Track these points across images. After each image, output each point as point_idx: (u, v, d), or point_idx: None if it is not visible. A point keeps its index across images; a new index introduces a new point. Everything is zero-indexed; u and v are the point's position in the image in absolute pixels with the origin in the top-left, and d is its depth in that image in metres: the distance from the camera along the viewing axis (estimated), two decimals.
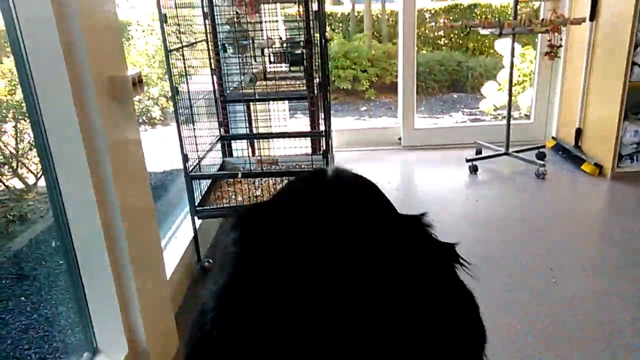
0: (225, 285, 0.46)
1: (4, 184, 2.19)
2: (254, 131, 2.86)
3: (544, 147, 3.57)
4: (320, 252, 0.45)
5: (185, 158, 2.01)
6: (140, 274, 1.42)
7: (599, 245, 2.48)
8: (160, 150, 4.45)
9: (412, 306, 0.45)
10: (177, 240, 2.18)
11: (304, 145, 2.70)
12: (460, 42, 7.19)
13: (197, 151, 2.11)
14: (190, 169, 2.06)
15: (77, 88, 1.17)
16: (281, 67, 2.46)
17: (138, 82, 1.29)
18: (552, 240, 2.46)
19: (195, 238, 2.17)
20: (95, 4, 1.19)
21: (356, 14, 7.77)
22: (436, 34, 7.54)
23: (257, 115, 2.89)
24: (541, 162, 3.24)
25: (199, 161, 2.16)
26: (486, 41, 6.88)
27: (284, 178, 2.14)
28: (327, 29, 2.97)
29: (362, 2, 7.81)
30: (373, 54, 6.62)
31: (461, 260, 0.51)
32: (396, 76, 6.51)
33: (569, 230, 2.56)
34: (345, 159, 3.73)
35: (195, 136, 2.04)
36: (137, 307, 1.44)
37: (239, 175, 2.04)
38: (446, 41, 7.45)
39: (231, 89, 2.59)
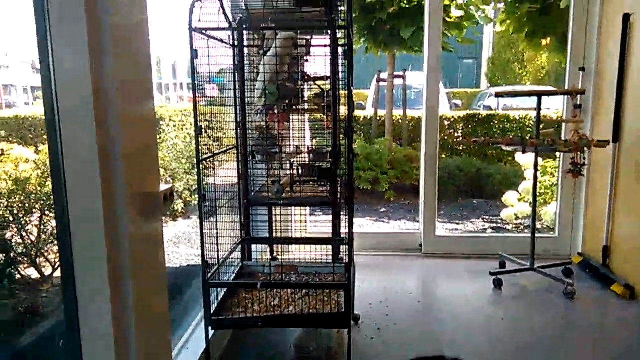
0: None
1: (20, 273, 2.17)
2: (275, 234, 2.84)
3: (570, 263, 3.45)
4: None
5: (205, 265, 1.98)
6: None
7: None
8: (178, 243, 4.45)
9: None
10: (187, 352, 2.08)
11: (324, 249, 2.67)
12: (479, 149, 7.34)
13: (218, 258, 2.09)
14: (209, 276, 2.01)
15: (109, 201, 1.18)
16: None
17: (169, 196, 1.30)
18: None
19: (207, 351, 2.07)
20: (136, 128, 1.24)
21: (378, 118, 8.07)
22: (455, 140, 7.73)
23: (278, 218, 2.89)
24: (569, 280, 3.11)
25: (219, 267, 2.12)
26: (504, 150, 7.01)
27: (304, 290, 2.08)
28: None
29: (383, 108, 8.15)
30: (394, 157, 6.76)
31: None
32: (416, 179, 6.62)
33: (594, 357, 2.39)
34: (364, 263, 3.65)
35: (217, 243, 2.02)
36: None
37: (258, 285, 1.98)
38: (464, 147, 7.61)
39: (255, 191, 2.63)
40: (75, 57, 1.13)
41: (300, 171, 2.17)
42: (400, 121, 8.00)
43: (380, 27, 6.57)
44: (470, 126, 7.77)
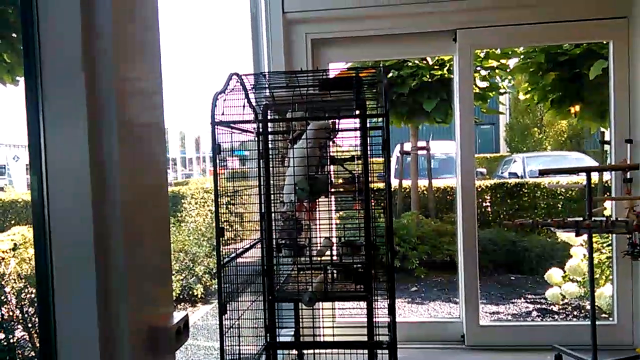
0: None
1: None
2: (301, 330, 2.55)
3: (638, 357, 3.04)
4: None
5: None
6: None
7: None
8: (197, 335, 4.14)
9: None
10: None
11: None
12: (510, 219, 7.00)
13: None
14: None
15: (107, 340, 0.95)
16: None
17: (183, 329, 1.07)
18: None
19: None
20: (146, 246, 1.04)
21: (402, 189, 7.87)
22: (484, 210, 7.44)
23: (305, 314, 2.62)
24: None
25: None
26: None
27: None
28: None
29: (408, 178, 7.97)
30: (422, 232, 6.47)
31: None
32: (448, 255, 6.28)
33: None
34: (401, 358, 3.28)
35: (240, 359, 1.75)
36: None
37: None
38: (494, 217, 7.30)
39: (280, 284, 2.38)
40: (72, 152, 0.95)
41: (335, 275, 1.92)
42: (425, 192, 7.78)
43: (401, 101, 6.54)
44: (498, 196, 7.49)
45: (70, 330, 0.97)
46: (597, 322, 2.94)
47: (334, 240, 2.37)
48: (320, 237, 2.26)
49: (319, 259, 2.13)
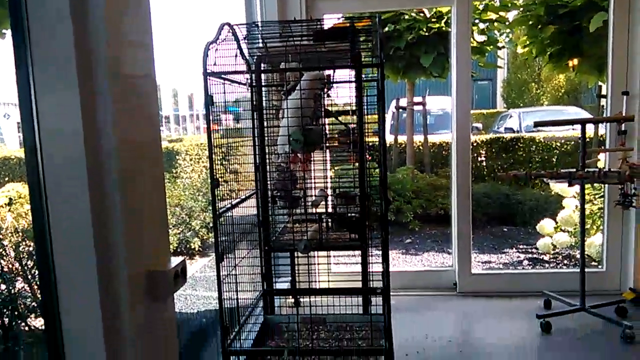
0: None
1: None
2: (297, 276, 2.62)
3: (624, 301, 3.14)
4: None
5: (225, 330, 1.76)
6: None
7: None
8: (195, 285, 4.23)
9: None
10: None
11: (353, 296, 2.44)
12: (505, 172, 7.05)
13: (239, 318, 1.87)
14: (229, 342, 1.79)
15: (107, 285, 0.98)
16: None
17: (181, 274, 1.10)
18: None
19: None
20: (141, 193, 1.05)
21: (398, 145, 7.87)
22: (479, 164, 7.47)
23: (300, 263, 2.68)
24: (627, 322, 2.80)
25: (239, 329, 1.90)
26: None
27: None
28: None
29: (404, 134, 7.96)
30: (417, 186, 6.52)
31: None
32: (442, 208, 6.35)
33: None
34: (395, 305, 3.35)
35: (238, 305, 1.81)
36: None
37: (285, 354, 1.76)
38: (491, 173, 7.35)
39: (276, 235, 2.42)
40: (64, 110, 0.95)
41: (330, 224, 1.95)
42: (420, 148, 7.78)
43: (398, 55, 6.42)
44: (494, 150, 7.51)
45: (70, 278, 1.00)
46: (586, 270, 3.02)
47: (329, 192, 2.40)
48: (315, 188, 2.29)
49: (313, 210, 2.16)
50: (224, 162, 2.03)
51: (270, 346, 2.06)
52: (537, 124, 2.80)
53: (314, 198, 2.06)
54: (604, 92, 3.35)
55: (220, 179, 1.82)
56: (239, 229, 2.08)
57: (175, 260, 1.11)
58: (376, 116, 2.07)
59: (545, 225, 4.65)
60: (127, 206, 1.01)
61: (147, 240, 1.08)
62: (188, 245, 4.97)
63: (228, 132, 2.10)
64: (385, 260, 1.77)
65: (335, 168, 3.39)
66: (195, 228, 5.03)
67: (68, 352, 1.00)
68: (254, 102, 2.16)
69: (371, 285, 2.23)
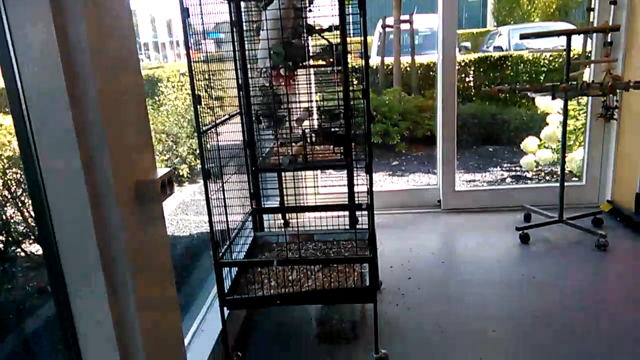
0: None
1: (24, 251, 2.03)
2: (285, 198, 2.67)
3: (600, 212, 3.27)
4: None
5: (215, 244, 1.81)
6: None
7: None
8: (186, 210, 4.30)
9: None
10: (204, 333, 1.96)
11: (340, 214, 2.51)
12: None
13: (229, 234, 1.93)
14: (220, 255, 1.86)
15: (95, 198, 1.00)
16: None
17: (168, 184, 1.12)
18: (622, 332, 2.15)
19: (224, 330, 1.94)
20: (121, 102, 1.04)
21: (385, 67, 7.72)
22: (467, 85, 7.40)
23: (289, 182, 2.72)
24: (601, 231, 2.94)
25: (230, 244, 1.96)
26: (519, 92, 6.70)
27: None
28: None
29: (391, 55, 7.78)
30: (404, 108, 6.49)
31: None
32: (428, 130, 6.37)
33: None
34: (381, 223, 3.50)
35: (227, 220, 1.85)
36: None
37: (274, 263, 1.83)
38: (479, 93, 7.30)
39: (263, 156, 2.44)
40: (37, 24, 0.92)
41: (314, 139, 1.96)
42: (408, 69, 7.65)
43: None
44: (482, 70, 7.41)
45: (59, 194, 1.02)
46: (566, 184, 3.11)
47: (314, 111, 2.39)
48: (300, 108, 2.27)
49: (299, 130, 2.16)
50: (207, 90, 1.98)
51: (260, 258, 2.15)
52: (523, 36, 2.75)
53: (298, 116, 2.05)
54: (593, 5, 3.26)
55: (205, 106, 1.80)
56: (227, 154, 2.07)
57: (161, 171, 1.12)
58: (360, 38, 2.02)
59: (529, 142, 4.71)
60: (108, 116, 1.00)
61: (132, 151, 1.09)
62: (176, 172, 4.99)
63: (209, 58, 2.03)
64: (369, 172, 1.81)
65: (319, 93, 3.35)
66: (182, 155, 5.02)
67: (65, 261, 1.03)
68: (232, 17, 2.08)
69: (357, 201, 2.29)
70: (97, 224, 1.01)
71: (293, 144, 2.10)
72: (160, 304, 1.23)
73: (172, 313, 1.31)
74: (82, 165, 0.98)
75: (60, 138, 0.97)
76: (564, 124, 2.91)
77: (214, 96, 2.07)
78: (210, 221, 1.77)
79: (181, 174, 5.08)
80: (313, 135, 1.94)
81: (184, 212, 4.16)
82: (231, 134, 2.28)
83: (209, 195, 1.72)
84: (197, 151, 1.79)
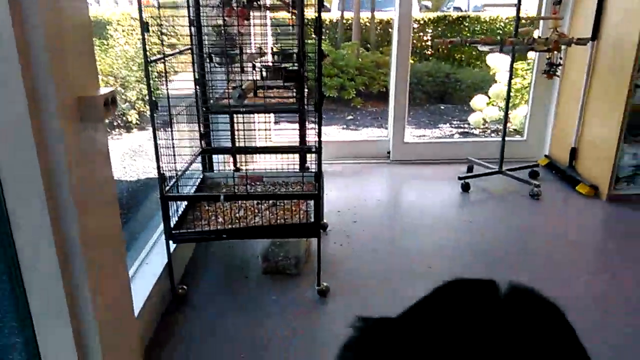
0: None
1: None
2: (237, 143, 2.68)
3: (537, 165, 3.47)
4: None
5: (162, 178, 1.82)
6: (103, 312, 1.23)
7: (594, 270, 2.37)
8: (134, 156, 4.22)
9: None
10: (148, 266, 1.99)
11: (289, 158, 2.54)
12: (448, 53, 7.11)
13: (176, 170, 1.93)
14: (167, 189, 1.87)
15: (36, 109, 0.99)
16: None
17: (111, 103, 1.11)
18: (548, 265, 2.34)
19: (169, 264, 1.98)
20: (63, 12, 1.01)
21: (344, 21, 7.64)
22: (424, 44, 7.45)
23: (241, 127, 2.71)
24: (535, 182, 3.13)
25: (177, 180, 1.97)
26: (473, 53, 6.83)
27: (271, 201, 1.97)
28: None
29: (351, 10, 7.69)
30: (361, 63, 6.49)
31: None
32: (384, 86, 6.43)
33: (564, 254, 2.45)
34: (332, 172, 3.57)
35: (174, 154, 1.85)
36: (98, 351, 1.25)
37: (221, 198, 1.86)
38: (433, 51, 7.38)
39: (215, 98, 2.42)
40: None
41: (264, 74, 1.96)
42: (368, 24, 7.61)
43: None
44: (440, 29, 7.47)
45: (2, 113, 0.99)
46: (508, 139, 3.26)
47: (268, 52, 2.37)
48: (253, 45, 2.25)
49: (249, 66, 2.15)
50: (158, 24, 1.91)
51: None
52: None
53: (250, 53, 2.04)
54: None
55: (155, 36, 1.74)
56: (178, 96, 2.03)
57: (104, 90, 1.11)
58: None
59: (478, 101, 4.86)
60: (49, 34, 0.98)
61: (74, 67, 1.07)
62: (125, 118, 4.84)
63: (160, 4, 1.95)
64: (319, 110, 1.84)
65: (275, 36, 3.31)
66: (131, 100, 4.86)
67: (4, 182, 1.02)
68: None
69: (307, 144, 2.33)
70: (36, 136, 1.00)
71: (244, 80, 2.09)
72: (101, 215, 1.24)
73: (113, 221, 1.33)
74: (22, 71, 0.96)
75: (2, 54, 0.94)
76: (509, 80, 3.02)
77: (164, 39, 2.01)
78: (156, 153, 1.77)
79: (130, 120, 4.95)
80: (264, 70, 1.94)
81: (133, 159, 4.08)
82: (184, 74, 2.24)
83: (155, 126, 1.71)
84: (147, 98, 1.75)
